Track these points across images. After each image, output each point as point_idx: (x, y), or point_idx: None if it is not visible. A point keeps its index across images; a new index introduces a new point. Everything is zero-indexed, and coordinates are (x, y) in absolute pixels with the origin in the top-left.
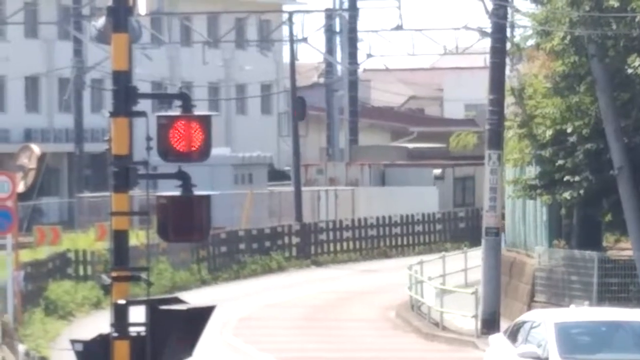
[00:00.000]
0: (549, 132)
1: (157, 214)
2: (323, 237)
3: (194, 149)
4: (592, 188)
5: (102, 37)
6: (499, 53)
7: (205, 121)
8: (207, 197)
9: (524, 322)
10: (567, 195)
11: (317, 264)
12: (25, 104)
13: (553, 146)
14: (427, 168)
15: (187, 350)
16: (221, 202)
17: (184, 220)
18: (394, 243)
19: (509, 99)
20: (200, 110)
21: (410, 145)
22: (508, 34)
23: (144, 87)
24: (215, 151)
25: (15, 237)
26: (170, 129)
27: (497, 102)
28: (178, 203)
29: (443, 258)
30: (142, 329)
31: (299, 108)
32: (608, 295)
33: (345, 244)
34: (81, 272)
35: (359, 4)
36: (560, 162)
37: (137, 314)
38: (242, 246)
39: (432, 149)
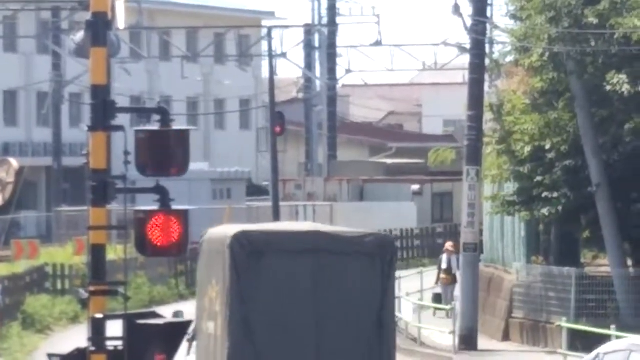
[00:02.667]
0: (528, 149)
1: (135, 229)
2: None
3: (172, 163)
4: (570, 205)
5: (80, 52)
6: (478, 69)
7: (183, 136)
8: (185, 211)
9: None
10: (545, 211)
11: None
12: (3, 117)
13: (531, 162)
14: (406, 184)
15: None
16: (199, 217)
17: (162, 233)
18: None
19: (487, 115)
20: (178, 124)
21: (389, 161)
22: (487, 50)
23: (122, 102)
24: (194, 166)
25: None
26: (149, 144)
27: (476, 118)
28: (156, 217)
29: (421, 273)
30: (119, 343)
31: (278, 123)
32: (585, 311)
33: None
34: (59, 286)
35: (338, 20)
36: (538, 178)
37: (115, 329)
38: None
39: (410, 165)
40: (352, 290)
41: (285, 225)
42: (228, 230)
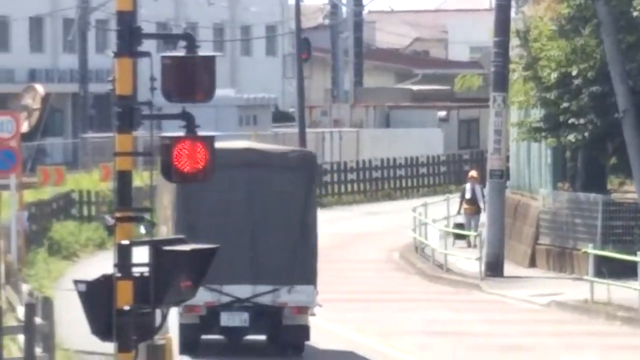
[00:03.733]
0: (554, 75)
1: (160, 155)
2: (327, 178)
3: (198, 89)
4: (596, 131)
5: None
6: None
7: (210, 62)
8: (211, 137)
9: None
10: (571, 138)
11: (322, 205)
12: (29, 44)
13: (558, 89)
14: (432, 110)
15: (190, 291)
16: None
17: (188, 159)
18: (398, 185)
19: (514, 42)
20: (204, 51)
21: (415, 88)
22: None
23: (148, 28)
24: (220, 92)
25: (19, 177)
26: (175, 69)
27: (502, 44)
28: (182, 143)
29: (447, 200)
30: (145, 269)
31: (304, 49)
32: (612, 238)
33: (349, 186)
34: (85, 213)
35: None
36: (565, 104)
37: (141, 255)
38: None
39: (436, 91)
40: (280, 197)
41: (224, 144)
42: None
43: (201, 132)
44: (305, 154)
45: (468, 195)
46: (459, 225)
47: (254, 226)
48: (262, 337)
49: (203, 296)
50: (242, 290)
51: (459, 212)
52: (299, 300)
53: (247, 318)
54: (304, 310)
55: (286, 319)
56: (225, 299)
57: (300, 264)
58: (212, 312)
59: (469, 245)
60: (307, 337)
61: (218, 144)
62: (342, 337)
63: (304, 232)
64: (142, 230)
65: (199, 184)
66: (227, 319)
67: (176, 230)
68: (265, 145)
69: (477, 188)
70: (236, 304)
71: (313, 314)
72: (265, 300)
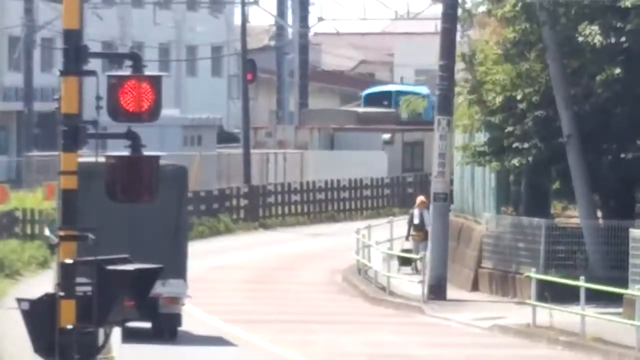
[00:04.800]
0: (499, 99)
1: (105, 174)
2: (271, 199)
3: (144, 109)
4: (541, 155)
5: None
6: (450, 19)
7: (155, 82)
8: (157, 157)
9: None
10: (515, 162)
11: (265, 226)
12: None
13: (503, 113)
14: (377, 133)
15: (133, 310)
16: None
17: (133, 180)
18: (342, 207)
19: (459, 65)
20: (150, 71)
21: (360, 110)
22: (459, 0)
23: (94, 47)
24: (165, 112)
25: None
26: (121, 89)
27: (448, 67)
28: (127, 163)
29: (391, 223)
30: (88, 288)
31: (250, 70)
32: (555, 262)
33: (293, 207)
34: (28, 231)
35: None
36: (509, 128)
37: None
38: (190, 208)
39: (381, 114)
40: (155, 204)
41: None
42: None
43: (146, 152)
44: (178, 167)
45: (416, 221)
46: (407, 252)
47: (131, 228)
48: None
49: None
50: None
51: (407, 239)
52: (171, 291)
53: None
54: (175, 300)
55: (161, 307)
56: None
57: (172, 261)
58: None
59: (415, 272)
60: (180, 324)
61: (101, 159)
62: (283, 359)
63: (175, 234)
64: (47, 232)
65: (85, 191)
66: None
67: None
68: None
69: (426, 213)
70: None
71: (183, 304)
72: None
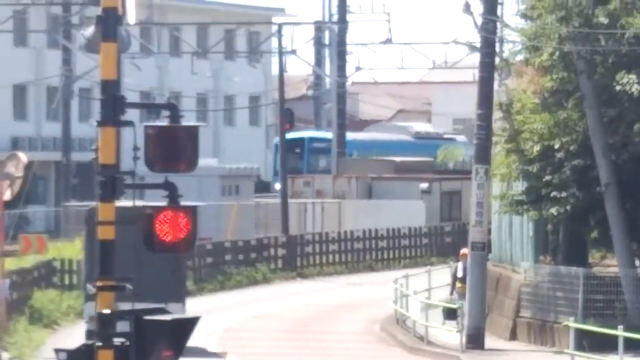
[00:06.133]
0: (537, 148)
1: (143, 224)
2: (309, 249)
3: (181, 159)
4: (578, 204)
5: (91, 46)
6: (487, 68)
7: (192, 132)
8: (194, 207)
9: None
10: (553, 211)
11: (303, 276)
12: (13, 112)
13: (540, 162)
14: (414, 182)
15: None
16: (207, 213)
17: (170, 231)
18: (380, 256)
19: (497, 114)
20: (188, 120)
21: (398, 159)
22: (497, 48)
23: (132, 97)
24: (203, 162)
25: (1, 245)
26: (158, 139)
27: (485, 116)
28: (164, 213)
29: (429, 272)
30: (126, 339)
31: (287, 120)
32: (593, 311)
33: (331, 257)
34: (66, 281)
35: (348, 17)
36: (547, 177)
37: (122, 324)
38: (227, 257)
39: (419, 163)
40: None
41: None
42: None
43: (184, 202)
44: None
45: (460, 274)
46: (451, 313)
47: (137, 256)
48: None
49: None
50: (127, 306)
51: (451, 294)
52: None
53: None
54: None
55: None
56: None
57: (171, 287)
58: None
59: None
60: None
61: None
62: None
63: (176, 265)
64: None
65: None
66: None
67: (86, 264)
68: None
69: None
70: (122, 316)
71: None
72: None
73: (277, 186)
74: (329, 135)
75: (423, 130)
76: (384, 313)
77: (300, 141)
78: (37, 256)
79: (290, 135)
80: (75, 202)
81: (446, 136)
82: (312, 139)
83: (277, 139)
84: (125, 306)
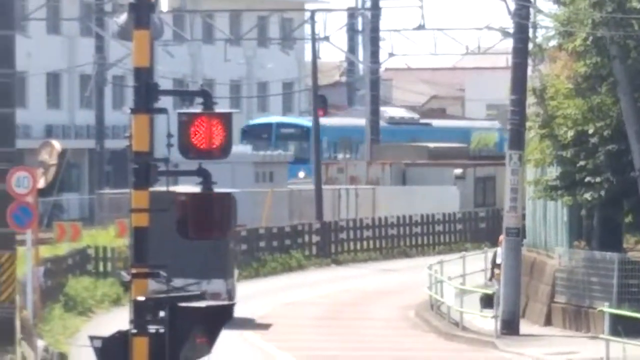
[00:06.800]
0: (570, 133)
1: (176, 211)
2: (343, 235)
3: (214, 146)
4: (613, 189)
5: (124, 34)
6: (521, 53)
7: (226, 119)
8: (228, 194)
9: None
10: (587, 196)
11: (337, 262)
12: (46, 100)
13: (574, 147)
14: (448, 167)
15: (206, 347)
16: (242, 200)
17: (204, 217)
18: (414, 242)
19: (530, 99)
20: (221, 107)
21: (432, 145)
22: (530, 34)
23: (165, 84)
24: (236, 149)
25: (35, 233)
26: (191, 126)
27: (519, 102)
28: (198, 200)
29: (463, 258)
30: (161, 326)
31: (321, 106)
32: (628, 296)
33: (365, 243)
34: (101, 269)
35: (381, 3)
36: (581, 163)
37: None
38: (262, 244)
39: (453, 149)
40: None
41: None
42: None
43: (217, 189)
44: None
45: (499, 260)
46: (488, 299)
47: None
48: None
49: (154, 285)
50: (176, 282)
51: (490, 280)
52: (213, 289)
53: None
54: (217, 296)
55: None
56: (166, 288)
57: (214, 265)
58: None
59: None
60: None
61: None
62: None
63: (216, 244)
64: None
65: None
66: None
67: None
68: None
69: None
70: (173, 291)
71: (224, 299)
72: (192, 288)
73: (301, 174)
74: (298, 121)
75: (397, 115)
76: (419, 299)
77: (267, 127)
78: (71, 244)
79: (257, 121)
80: (109, 190)
81: (422, 121)
82: (280, 125)
83: (244, 125)
84: (178, 281)
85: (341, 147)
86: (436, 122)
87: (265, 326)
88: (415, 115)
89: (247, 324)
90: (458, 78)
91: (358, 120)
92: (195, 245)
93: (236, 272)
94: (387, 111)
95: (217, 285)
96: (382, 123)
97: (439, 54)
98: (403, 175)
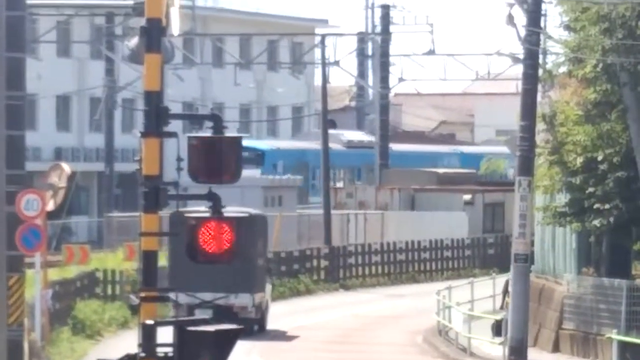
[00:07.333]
0: (580, 160)
1: (186, 235)
2: (352, 260)
3: (225, 170)
4: (622, 216)
5: (134, 57)
6: (530, 79)
7: (236, 142)
8: (237, 218)
9: None
10: (596, 223)
11: (346, 287)
12: (56, 122)
13: (583, 173)
14: (457, 193)
15: None
16: None
17: (213, 241)
18: (422, 268)
19: (540, 126)
20: (231, 131)
21: (440, 170)
22: (540, 60)
23: (175, 108)
24: (245, 173)
25: (44, 256)
26: (201, 150)
27: (528, 128)
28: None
29: (471, 284)
30: (169, 349)
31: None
32: (636, 323)
33: (374, 268)
34: (109, 292)
35: (391, 28)
36: (590, 189)
37: (165, 335)
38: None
39: (462, 174)
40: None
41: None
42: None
43: (229, 213)
44: (249, 216)
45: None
46: (499, 325)
47: None
48: None
49: (185, 299)
50: (206, 296)
51: (502, 307)
52: (240, 302)
53: (210, 314)
54: (244, 308)
55: (239, 314)
56: (196, 301)
57: (241, 280)
58: (190, 309)
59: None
60: (251, 325)
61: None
62: None
63: (245, 261)
64: (133, 300)
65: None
66: (198, 314)
67: (169, 267)
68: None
69: None
70: (203, 305)
71: (251, 311)
72: (220, 302)
73: None
74: (254, 144)
75: (356, 138)
76: (427, 324)
77: None
78: (79, 267)
79: None
80: (117, 213)
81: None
82: None
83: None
84: (208, 295)
85: (297, 171)
86: (396, 147)
87: (272, 348)
88: (373, 139)
89: (253, 349)
90: (468, 103)
91: (314, 144)
92: (226, 266)
93: (269, 287)
94: (344, 134)
95: (244, 299)
96: (339, 147)
97: (448, 79)
98: (412, 200)
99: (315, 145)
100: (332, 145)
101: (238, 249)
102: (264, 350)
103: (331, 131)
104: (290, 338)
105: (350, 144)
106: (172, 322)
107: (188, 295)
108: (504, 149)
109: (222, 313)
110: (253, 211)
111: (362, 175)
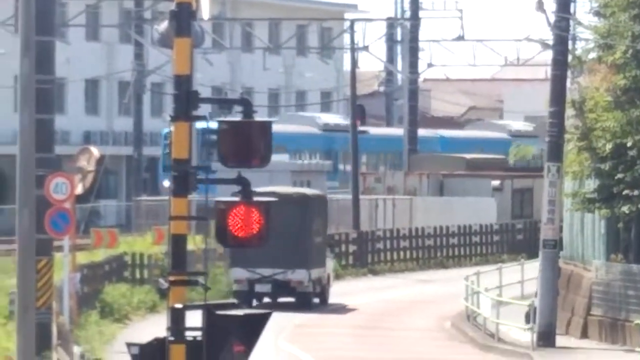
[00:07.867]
0: (609, 146)
1: (215, 219)
2: (380, 245)
3: (254, 154)
4: None
5: (163, 41)
6: (560, 65)
7: (265, 127)
8: (266, 203)
9: None
10: (625, 209)
11: (374, 272)
12: (85, 106)
13: (613, 160)
14: (486, 179)
15: (243, 355)
16: None
17: (243, 225)
18: (451, 253)
19: (569, 112)
20: (259, 116)
21: (469, 156)
22: (570, 46)
23: (204, 92)
24: (274, 157)
25: (73, 239)
26: (231, 135)
27: (558, 114)
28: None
29: (500, 269)
30: (198, 333)
31: (359, 116)
32: None
33: (402, 253)
34: (137, 276)
35: (420, 14)
36: (619, 175)
37: (194, 319)
38: None
39: (490, 160)
40: (288, 219)
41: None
42: None
43: (258, 197)
44: (303, 195)
45: None
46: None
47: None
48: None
49: (245, 274)
50: (266, 271)
51: (536, 295)
52: (297, 277)
53: (269, 287)
54: (301, 283)
55: (297, 288)
56: (256, 276)
57: (297, 257)
58: (251, 284)
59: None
60: (310, 298)
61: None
62: None
63: (299, 239)
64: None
65: None
66: (259, 288)
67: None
68: (289, 189)
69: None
70: (263, 279)
71: (307, 285)
72: (279, 277)
73: (166, 183)
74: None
75: (332, 122)
76: (455, 310)
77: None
78: (108, 250)
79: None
80: (146, 197)
81: (361, 129)
82: (206, 130)
83: (166, 130)
84: (267, 271)
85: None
86: (373, 130)
87: (301, 333)
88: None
89: (280, 333)
90: (497, 89)
91: (291, 127)
92: (281, 240)
93: (330, 262)
94: (321, 117)
95: (300, 274)
96: (316, 130)
97: (478, 65)
98: (440, 186)
99: (293, 128)
100: (308, 128)
101: (267, 233)
102: (292, 334)
103: (305, 114)
104: (317, 324)
105: (326, 127)
106: (201, 305)
107: (248, 271)
108: (488, 133)
109: (280, 287)
110: (310, 191)
111: (339, 158)
